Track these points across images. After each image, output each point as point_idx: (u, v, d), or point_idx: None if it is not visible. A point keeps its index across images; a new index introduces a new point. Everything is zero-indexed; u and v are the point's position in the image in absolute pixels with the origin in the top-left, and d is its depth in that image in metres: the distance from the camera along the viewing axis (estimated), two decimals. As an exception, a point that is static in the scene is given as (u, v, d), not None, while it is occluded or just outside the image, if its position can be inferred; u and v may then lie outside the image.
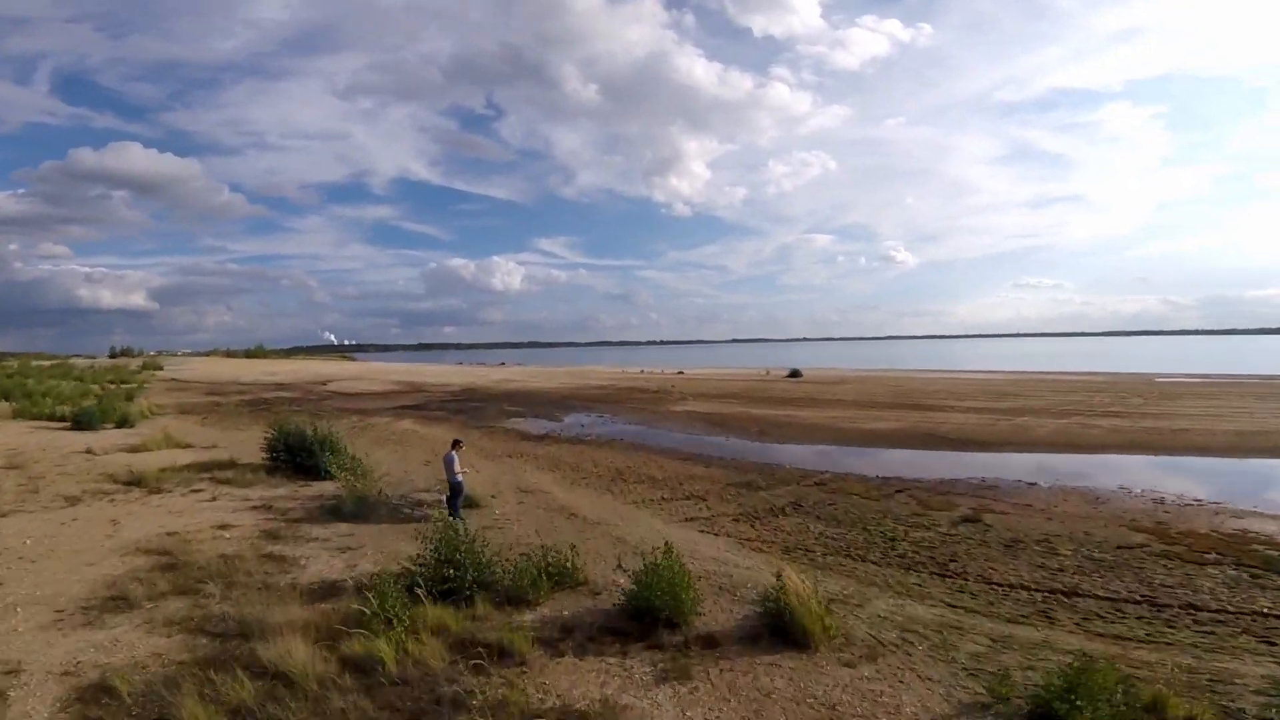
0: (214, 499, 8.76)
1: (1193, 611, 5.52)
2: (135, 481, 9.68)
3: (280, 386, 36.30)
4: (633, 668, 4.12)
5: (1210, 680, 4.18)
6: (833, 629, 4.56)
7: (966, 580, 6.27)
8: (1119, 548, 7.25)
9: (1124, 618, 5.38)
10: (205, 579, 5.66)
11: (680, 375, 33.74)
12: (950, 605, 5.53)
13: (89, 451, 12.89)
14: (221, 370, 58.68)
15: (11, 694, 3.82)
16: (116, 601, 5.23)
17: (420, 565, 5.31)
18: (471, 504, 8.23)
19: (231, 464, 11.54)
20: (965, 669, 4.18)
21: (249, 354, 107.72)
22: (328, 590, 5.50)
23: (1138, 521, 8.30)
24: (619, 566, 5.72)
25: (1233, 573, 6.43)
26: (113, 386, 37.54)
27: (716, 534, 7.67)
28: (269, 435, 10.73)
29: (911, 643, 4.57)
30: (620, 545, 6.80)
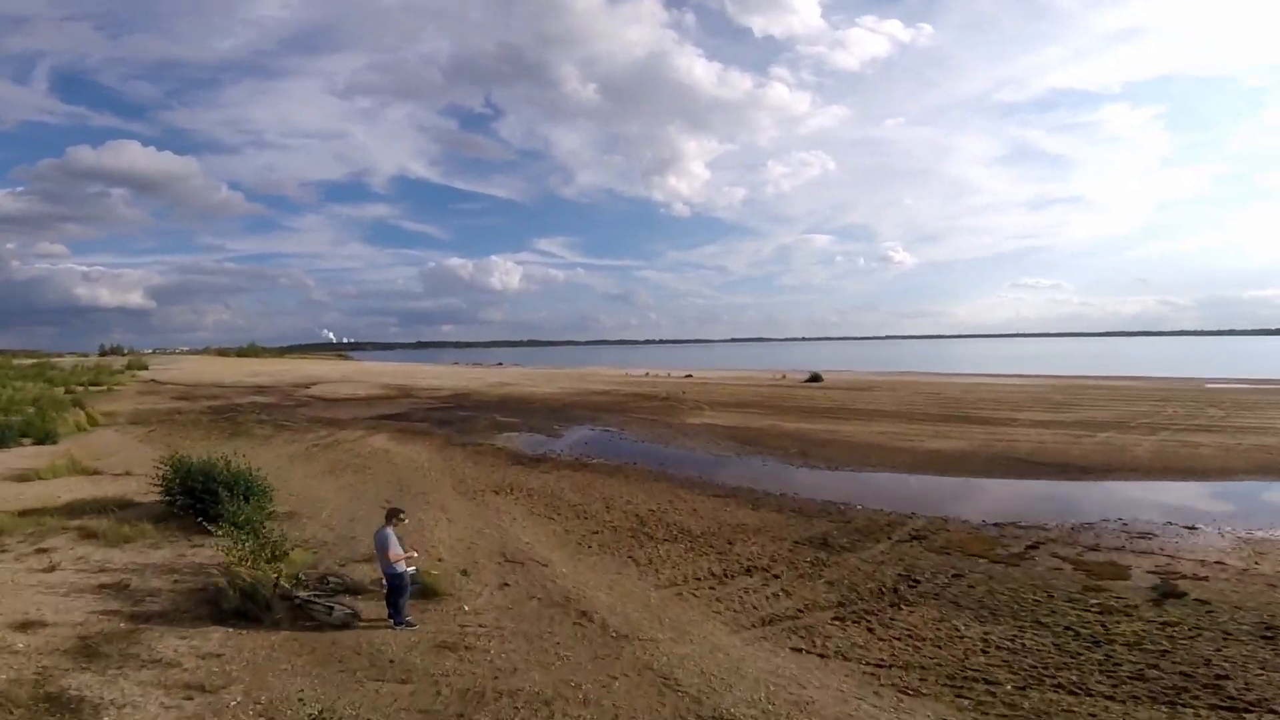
0: (51, 568, 6.08)
1: None
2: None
3: (260, 390, 33.69)
4: None
5: None
6: None
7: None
8: None
9: None
10: None
11: (689, 379, 31.11)
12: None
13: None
14: (206, 370, 56.13)
15: None
16: None
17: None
18: (430, 591, 5.56)
19: (125, 504, 8.92)
20: None
21: (241, 353, 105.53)
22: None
23: None
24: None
25: None
26: (80, 389, 35.03)
27: (824, 654, 4.94)
28: (163, 470, 8.03)
29: None
30: (673, 700, 4.06)
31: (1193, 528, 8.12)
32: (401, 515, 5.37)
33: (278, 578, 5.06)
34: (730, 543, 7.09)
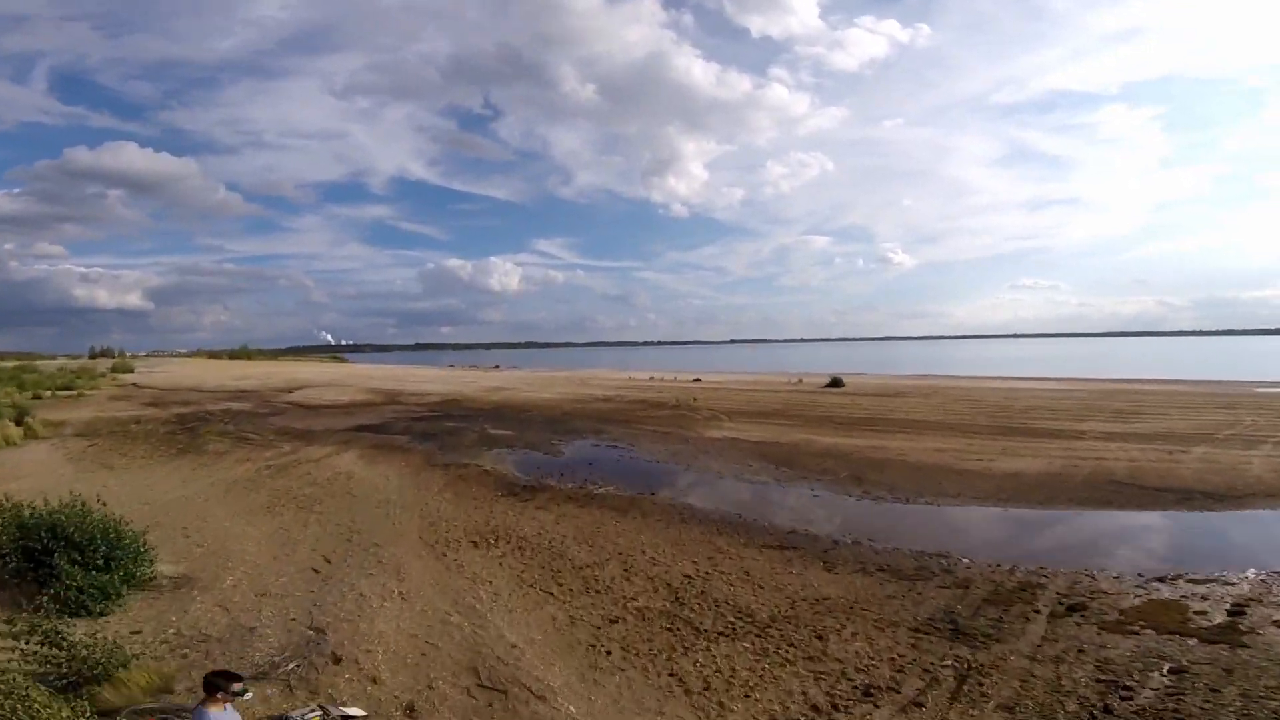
0: None
1: None
2: None
3: (239, 395, 31.43)
4: None
5: None
6: None
7: None
8: None
9: None
10: None
11: (697, 383, 28.88)
12: None
13: None
14: (192, 374, 53.88)
15: None
16: None
17: None
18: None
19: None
20: None
21: (233, 355, 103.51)
22: None
23: None
24: None
25: None
26: (48, 394, 32.84)
27: None
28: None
29: None
30: None
31: None
32: (238, 688, 3.02)
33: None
34: (819, 636, 4.75)
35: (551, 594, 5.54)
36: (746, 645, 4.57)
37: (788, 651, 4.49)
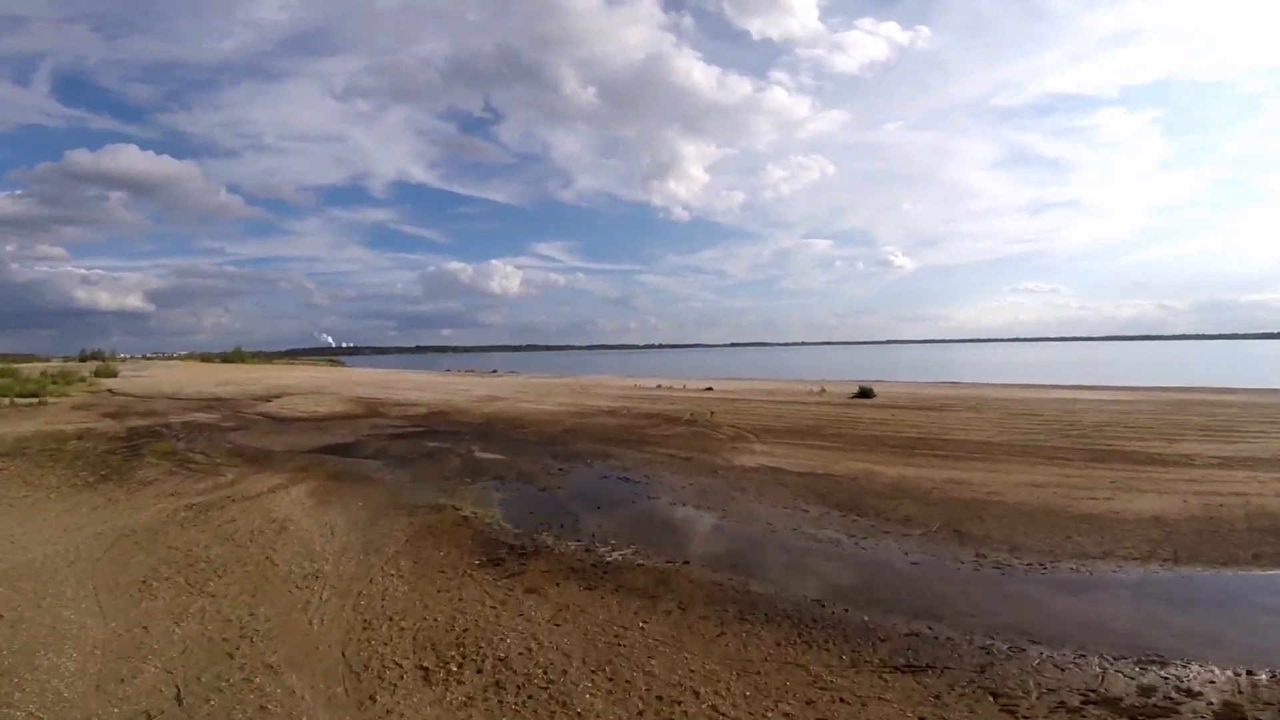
0: None
1: None
2: None
3: (210, 404, 28.89)
4: None
5: None
6: None
7: None
8: None
9: None
10: None
11: (709, 393, 26.36)
12: None
13: None
14: (175, 378, 51.37)
15: None
16: None
17: None
18: None
19: None
20: None
21: (226, 359, 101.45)
22: None
23: None
24: None
25: None
26: (5, 403, 30.37)
27: None
28: None
29: None
30: None
31: None
32: None
33: None
34: None
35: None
36: None
37: None
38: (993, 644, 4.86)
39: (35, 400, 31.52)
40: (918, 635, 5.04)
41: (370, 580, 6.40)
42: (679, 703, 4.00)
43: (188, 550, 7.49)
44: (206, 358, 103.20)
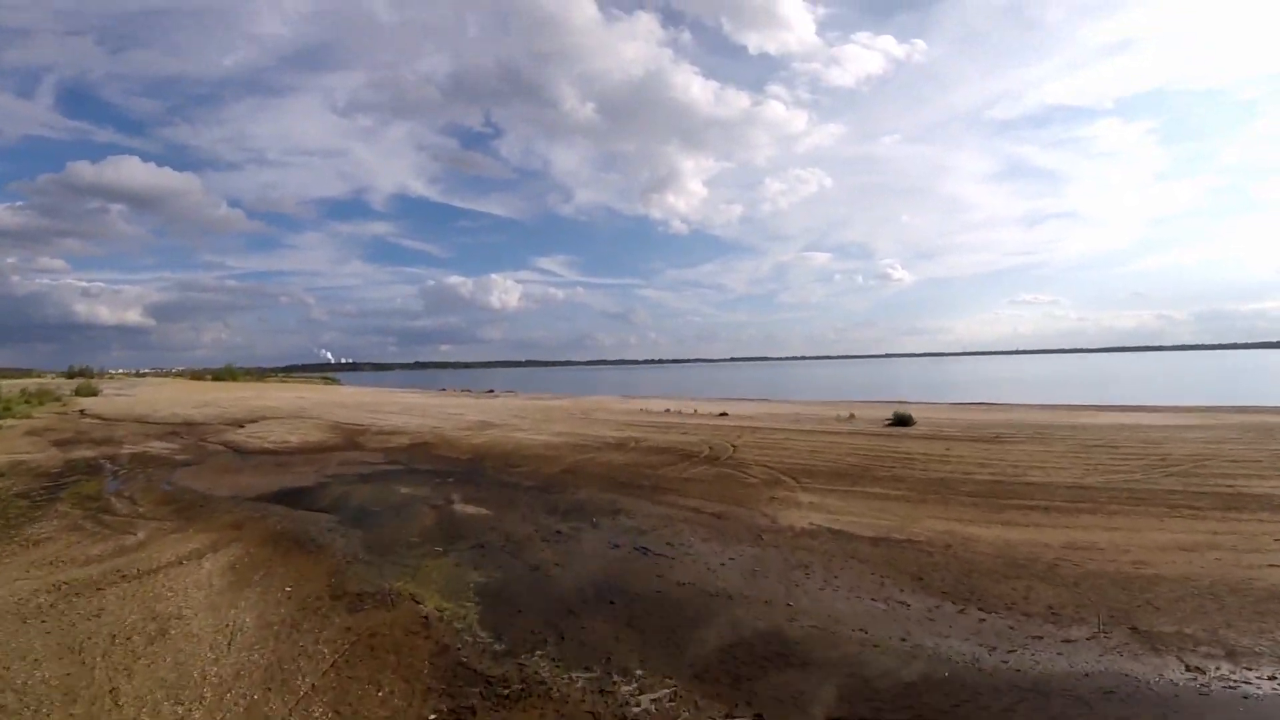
0: None
1: None
2: None
3: (177, 430, 26.32)
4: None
5: None
6: None
7: None
8: None
9: None
10: None
11: (724, 419, 23.78)
12: None
13: None
14: (156, 398, 48.87)
15: None
16: None
17: None
18: None
19: None
20: None
21: (217, 376, 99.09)
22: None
23: None
24: None
25: None
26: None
27: None
28: None
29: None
30: None
31: None
32: None
33: None
34: None
35: None
36: None
37: None
38: None
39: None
40: None
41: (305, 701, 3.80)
42: None
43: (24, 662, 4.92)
44: (198, 375, 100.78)
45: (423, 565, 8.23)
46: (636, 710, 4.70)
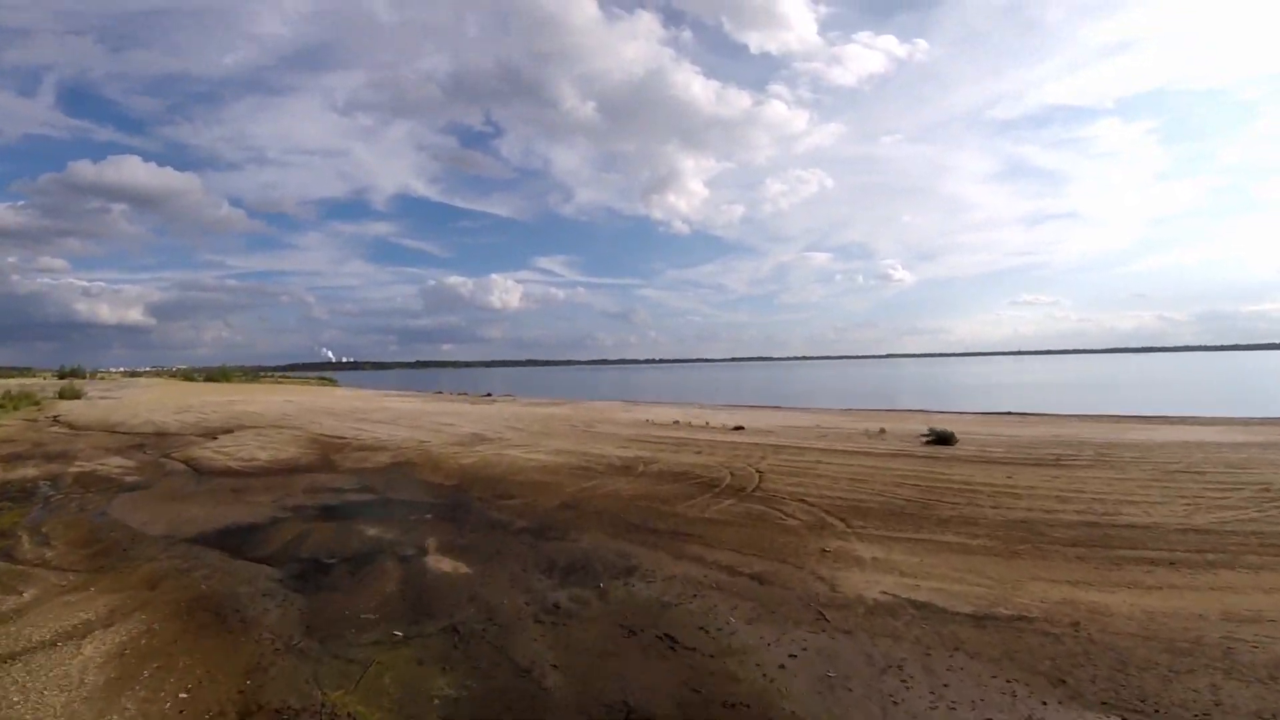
0: None
1: None
2: None
3: (144, 443, 24.16)
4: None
5: None
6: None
7: None
8: None
9: None
10: None
11: (740, 433, 21.65)
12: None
13: None
14: (137, 403, 46.67)
15: None
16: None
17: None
18: None
19: None
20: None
21: (209, 377, 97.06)
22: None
23: None
24: None
25: None
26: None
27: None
28: None
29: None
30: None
31: None
32: None
33: None
34: None
35: None
36: None
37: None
38: None
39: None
40: None
41: None
42: None
43: None
44: (189, 376, 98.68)
45: (374, 661, 6.07)
46: None
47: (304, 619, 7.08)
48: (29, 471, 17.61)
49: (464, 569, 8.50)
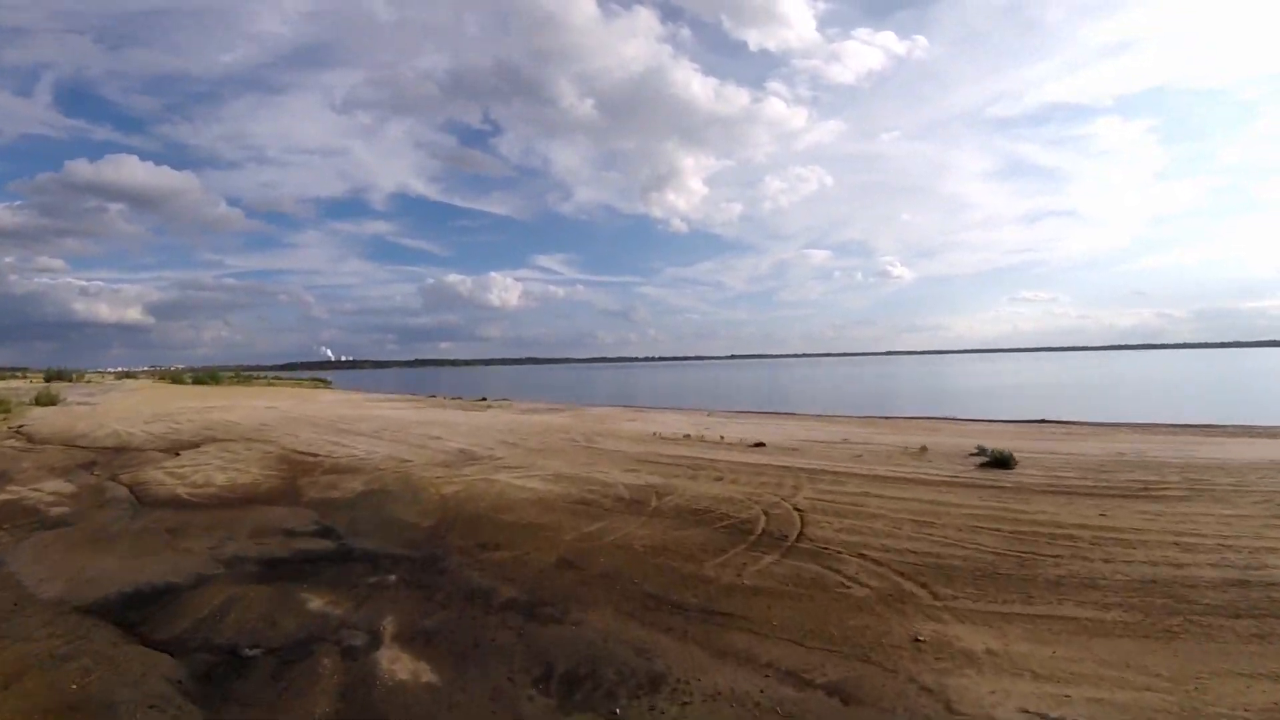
0: None
1: None
2: None
3: (97, 459, 21.73)
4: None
5: None
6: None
7: None
8: None
9: None
10: None
11: (761, 450, 19.36)
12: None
13: None
14: (112, 410, 44.13)
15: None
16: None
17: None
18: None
19: None
20: None
21: (197, 380, 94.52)
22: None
23: None
24: None
25: None
26: None
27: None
28: None
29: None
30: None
31: None
32: None
33: None
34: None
35: None
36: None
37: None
38: None
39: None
40: None
41: None
42: None
43: None
44: (177, 379, 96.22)
45: None
46: None
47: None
48: (-54, 501, 15.29)
49: (427, 675, 6.17)
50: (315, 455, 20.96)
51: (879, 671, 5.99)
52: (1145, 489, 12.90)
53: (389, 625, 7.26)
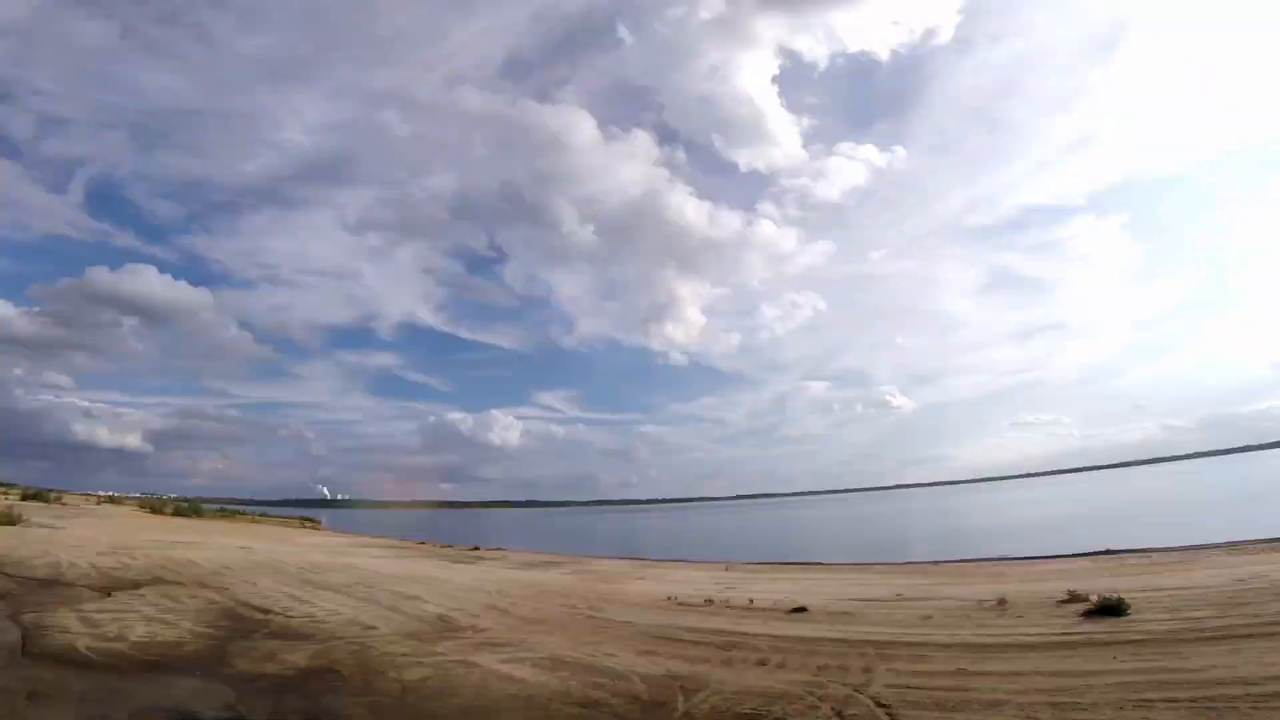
0: None
1: None
2: None
3: (17, 592, 18.58)
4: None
5: None
6: None
7: None
8: None
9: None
10: None
11: (804, 616, 15.93)
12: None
13: None
14: (71, 538, 40.05)
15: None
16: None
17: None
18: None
19: None
20: None
21: (178, 511, 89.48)
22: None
23: None
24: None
25: None
26: None
27: None
28: None
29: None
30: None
31: None
32: None
33: None
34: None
35: None
36: None
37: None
38: None
39: None
40: None
41: None
42: None
43: None
44: (156, 508, 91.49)
45: None
46: None
47: None
48: None
49: None
50: (266, 612, 17.56)
51: None
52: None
53: None
